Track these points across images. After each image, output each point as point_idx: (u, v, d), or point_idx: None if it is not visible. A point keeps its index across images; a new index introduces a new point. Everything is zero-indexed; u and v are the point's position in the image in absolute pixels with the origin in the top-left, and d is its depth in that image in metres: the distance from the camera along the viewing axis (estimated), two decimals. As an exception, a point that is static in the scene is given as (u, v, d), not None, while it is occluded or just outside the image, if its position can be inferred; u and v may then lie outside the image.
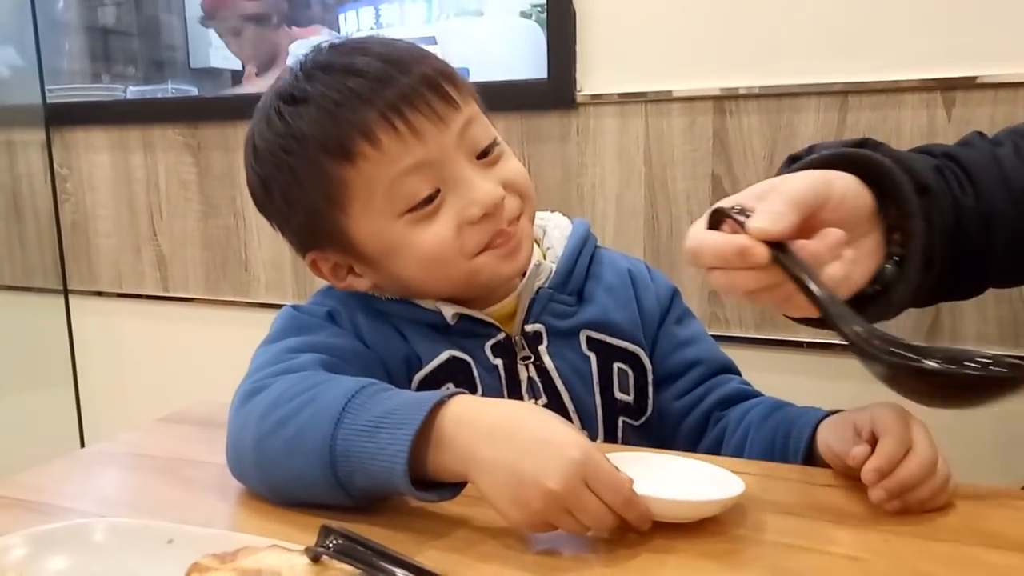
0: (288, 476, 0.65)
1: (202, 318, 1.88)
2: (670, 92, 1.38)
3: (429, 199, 0.74)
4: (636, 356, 0.85)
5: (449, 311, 0.79)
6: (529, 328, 0.81)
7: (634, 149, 1.42)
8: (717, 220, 0.64)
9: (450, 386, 0.79)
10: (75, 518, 0.61)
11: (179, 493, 0.71)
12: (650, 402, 0.86)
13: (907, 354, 0.58)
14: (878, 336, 0.59)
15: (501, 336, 0.81)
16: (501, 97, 1.54)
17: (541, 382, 0.81)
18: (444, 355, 0.79)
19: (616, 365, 0.84)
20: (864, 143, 0.71)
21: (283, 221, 0.81)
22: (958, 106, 1.22)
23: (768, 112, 1.33)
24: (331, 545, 0.50)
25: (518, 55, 1.76)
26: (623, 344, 0.84)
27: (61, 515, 0.65)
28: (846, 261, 0.63)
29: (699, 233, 0.64)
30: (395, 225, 0.75)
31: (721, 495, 0.61)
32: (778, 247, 0.60)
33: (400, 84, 0.73)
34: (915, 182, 0.67)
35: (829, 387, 1.33)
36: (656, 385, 0.86)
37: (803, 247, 0.61)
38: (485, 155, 0.77)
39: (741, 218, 0.62)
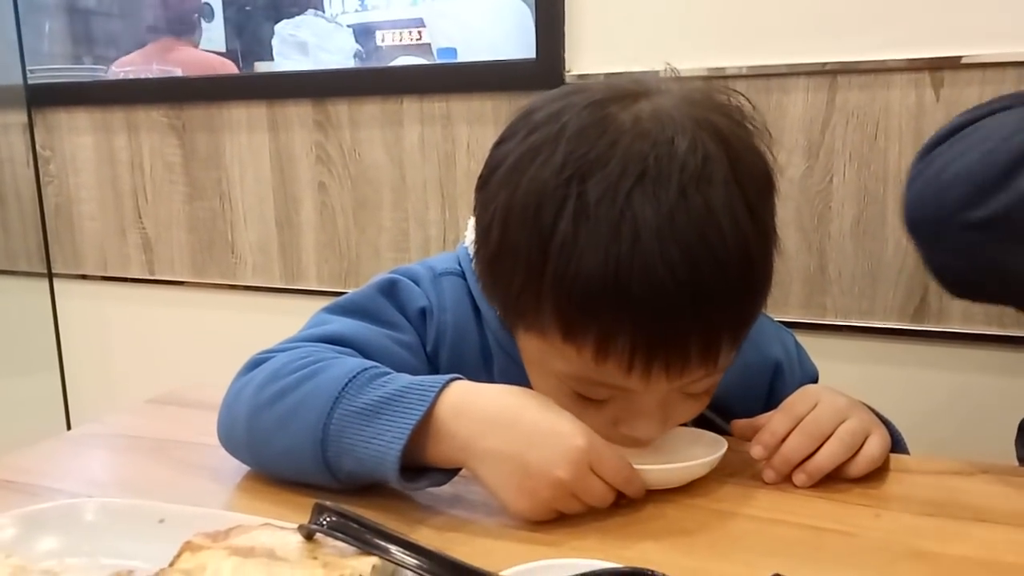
0: (277, 450, 0.64)
1: (188, 301, 1.87)
2: (659, 73, 1.37)
3: (596, 400, 0.64)
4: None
5: None
6: None
7: (623, 130, 1.41)
8: None
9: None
10: (64, 499, 0.61)
11: (169, 474, 0.71)
12: None
13: None
14: None
15: None
16: (489, 77, 1.54)
17: None
18: None
19: None
20: None
21: (478, 241, 0.67)
22: (946, 86, 1.22)
23: (757, 92, 1.32)
24: (325, 523, 0.50)
25: (506, 35, 1.75)
26: (727, 427, 0.75)
27: (49, 496, 0.65)
28: None
29: None
30: (552, 378, 0.65)
31: (706, 456, 0.62)
32: None
33: (678, 333, 0.58)
34: None
35: (839, 369, 1.34)
36: None
37: None
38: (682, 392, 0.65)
39: None
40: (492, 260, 0.65)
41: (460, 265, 0.78)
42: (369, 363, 0.65)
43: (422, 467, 0.60)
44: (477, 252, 0.68)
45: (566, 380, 0.64)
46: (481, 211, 0.66)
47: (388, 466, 0.58)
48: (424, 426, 0.59)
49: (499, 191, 0.62)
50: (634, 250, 0.56)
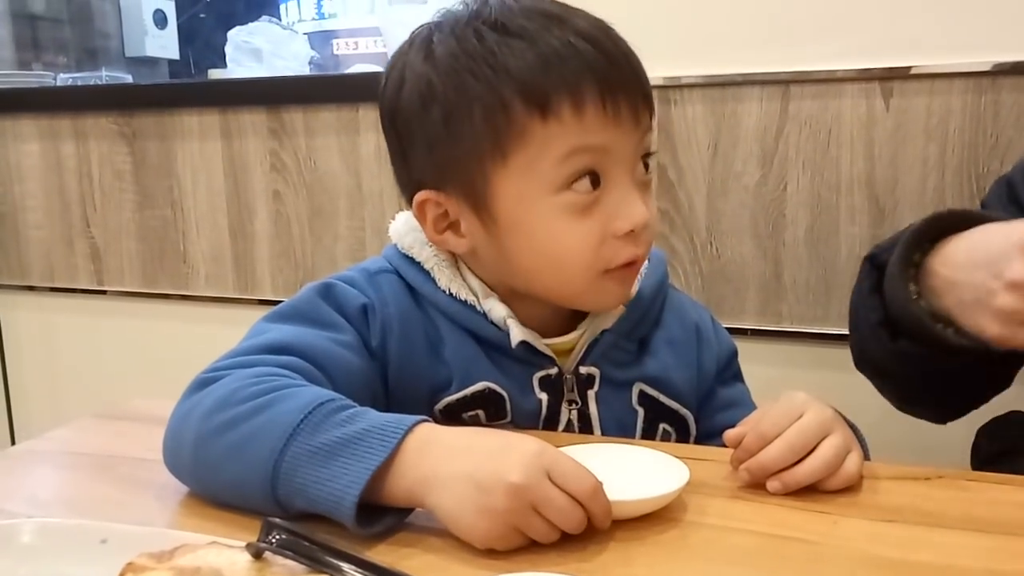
0: (224, 481, 0.62)
1: (139, 312, 1.83)
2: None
3: (592, 185, 0.70)
4: (684, 420, 0.81)
5: (517, 335, 0.74)
6: (583, 370, 0.77)
7: (580, 138, 1.41)
8: None
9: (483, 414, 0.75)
10: (3, 519, 0.58)
11: (114, 491, 0.68)
12: None
13: None
14: None
15: (553, 371, 0.76)
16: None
17: (579, 428, 0.77)
18: (480, 385, 0.75)
19: (662, 426, 0.80)
20: None
21: (417, 146, 0.74)
22: (896, 96, 1.25)
23: (712, 101, 1.33)
24: (274, 541, 0.48)
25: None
26: (675, 406, 0.80)
27: (-13, 517, 0.62)
28: None
29: None
30: (544, 201, 0.70)
31: (668, 486, 0.61)
32: None
33: (620, 68, 0.70)
34: None
35: (795, 375, 1.35)
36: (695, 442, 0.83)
37: None
38: (645, 169, 0.74)
39: None
40: (447, 117, 0.70)
41: (391, 264, 0.79)
42: (325, 395, 0.62)
43: (374, 505, 0.58)
44: (424, 133, 0.72)
45: (557, 176, 0.69)
46: (409, 99, 0.72)
47: (344, 511, 0.56)
48: (386, 466, 0.57)
49: (421, 67, 0.71)
50: (564, 29, 0.69)
